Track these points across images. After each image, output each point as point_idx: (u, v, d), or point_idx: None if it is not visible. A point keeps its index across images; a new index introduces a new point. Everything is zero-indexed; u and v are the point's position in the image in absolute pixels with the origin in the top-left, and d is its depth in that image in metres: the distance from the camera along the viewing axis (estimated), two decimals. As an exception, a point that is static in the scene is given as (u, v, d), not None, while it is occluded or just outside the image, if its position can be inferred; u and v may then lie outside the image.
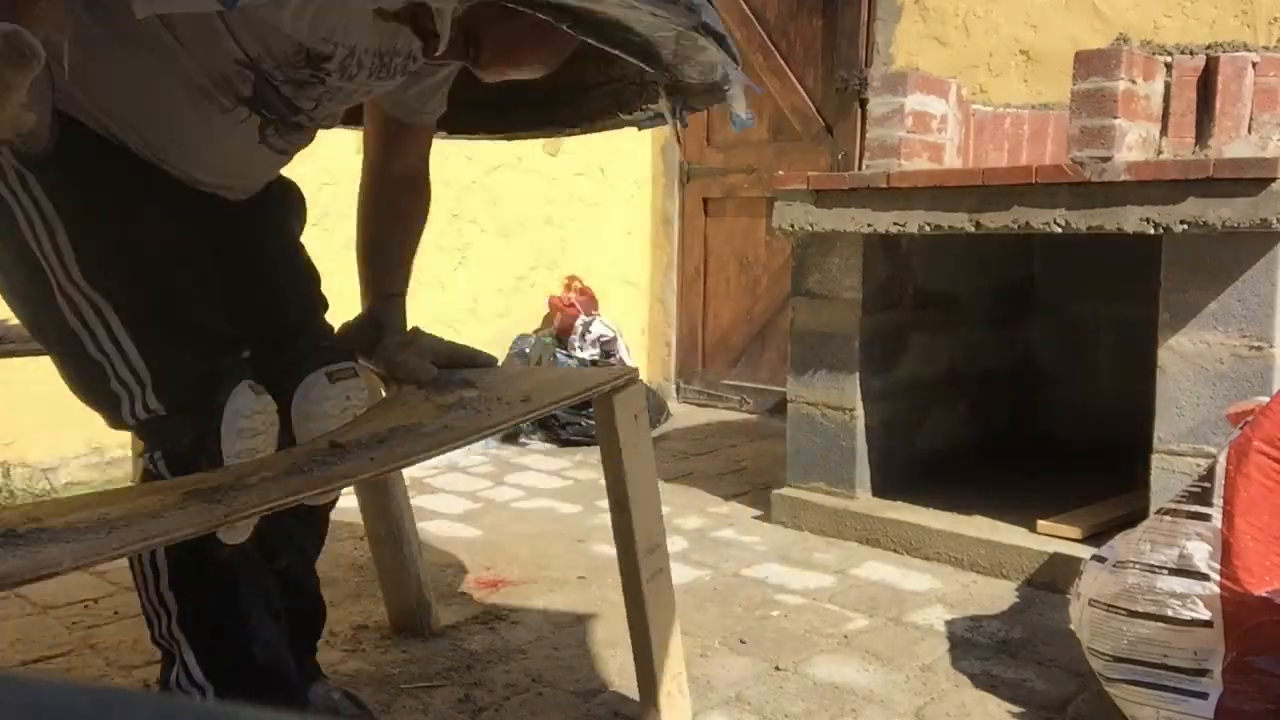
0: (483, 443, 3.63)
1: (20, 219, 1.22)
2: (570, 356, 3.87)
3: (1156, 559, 1.50)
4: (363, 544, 2.20)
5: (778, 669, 1.84)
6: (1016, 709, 1.69)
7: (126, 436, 2.58)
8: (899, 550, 2.44)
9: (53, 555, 0.79)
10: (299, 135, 1.49)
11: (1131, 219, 2.07)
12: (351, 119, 1.65)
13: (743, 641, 1.95)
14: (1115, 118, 2.15)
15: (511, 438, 3.73)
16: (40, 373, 2.85)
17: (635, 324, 4.56)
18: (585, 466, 3.37)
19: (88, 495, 0.95)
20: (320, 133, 3.46)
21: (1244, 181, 1.93)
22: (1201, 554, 1.44)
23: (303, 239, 1.83)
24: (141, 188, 1.29)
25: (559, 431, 3.69)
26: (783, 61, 4.15)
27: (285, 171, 1.76)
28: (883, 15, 3.74)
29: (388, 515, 1.91)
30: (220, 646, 1.32)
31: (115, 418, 1.30)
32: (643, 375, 1.74)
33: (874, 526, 2.51)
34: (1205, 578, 1.43)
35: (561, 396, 1.38)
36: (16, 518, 0.86)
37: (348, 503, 2.38)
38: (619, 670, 1.80)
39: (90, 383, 1.28)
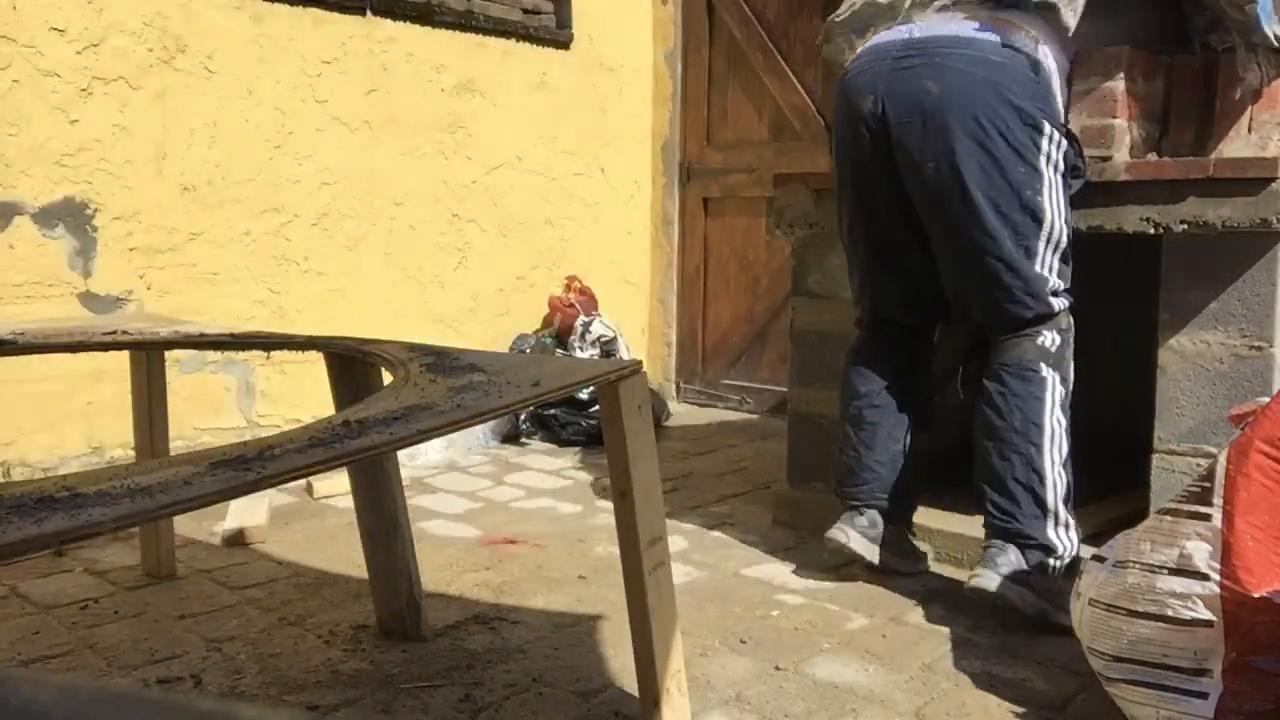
0: (483, 442, 3.63)
1: (1046, 191, 2.03)
2: (570, 357, 3.87)
3: (1157, 559, 1.50)
4: (363, 544, 2.20)
5: (778, 669, 1.84)
6: (1017, 709, 1.69)
7: (127, 436, 2.58)
8: (899, 550, 2.44)
9: (94, 515, 0.82)
10: None
11: (1131, 219, 2.07)
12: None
13: (743, 641, 1.95)
14: (1115, 118, 2.15)
15: (512, 438, 3.73)
16: (40, 372, 2.86)
17: (635, 324, 4.56)
18: (585, 466, 3.37)
19: (114, 468, 0.97)
20: (317, 131, 3.53)
21: (1244, 181, 1.93)
22: (1201, 554, 1.44)
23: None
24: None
25: (559, 431, 3.69)
26: (783, 61, 4.16)
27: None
28: (883, 15, 3.74)
29: (381, 509, 1.91)
30: None
31: (1041, 302, 2.05)
32: (643, 375, 1.75)
33: (874, 526, 2.50)
34: (1205, 578, 1.43)
35: (570, 382, 1.39)
36: (50, 485, 0.88)
37: (348, 503, 2.38)
38: (619, 670, 1.80)
39: (1034, 286, 2.05)
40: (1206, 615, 1.43)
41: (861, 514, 2.22)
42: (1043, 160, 1.99)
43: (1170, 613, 1.46)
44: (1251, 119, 2.15)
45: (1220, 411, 2.03)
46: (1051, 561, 1.99)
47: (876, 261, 2.23)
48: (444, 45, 3.78)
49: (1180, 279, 2.07)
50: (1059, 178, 2.01)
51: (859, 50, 2.19)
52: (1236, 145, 2.14)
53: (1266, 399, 1.55)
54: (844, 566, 2.36)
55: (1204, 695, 1.43)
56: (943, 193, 2.02)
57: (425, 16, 3.70)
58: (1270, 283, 1.97)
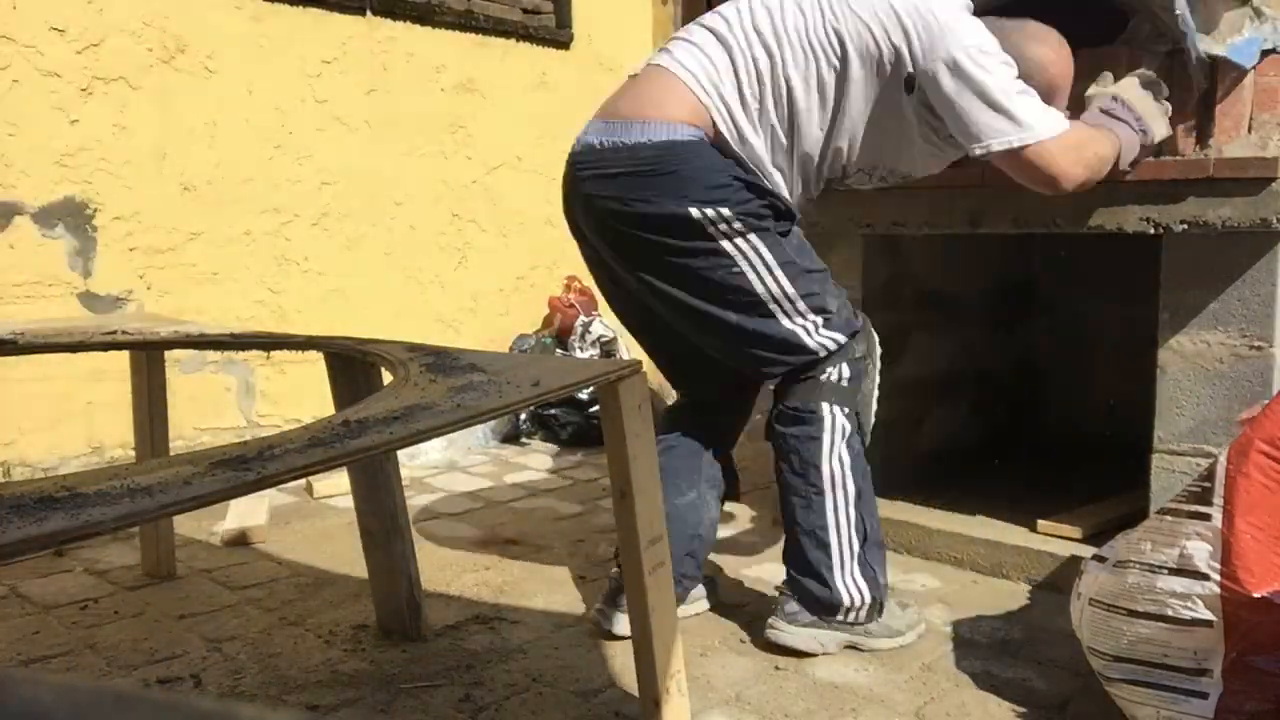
0: (483, 442, 3.63)
1: (743, 264, 1.82)
2: (570, 357, 3.87)
3: (1157, 559, 1.50)
4: (363, 544, 2.20)
5: (778, 669, 1.84)
6: (1017, 709, 1.69)
7: (127, 436, 2.58)
8: (899, 550, 2.44)
9: (94, 515, 0.82)
10: None
11: (1131, 219, 2.07)
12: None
13: (743, 641, 1.95)
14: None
15: (512, 438, 3.73)
16: (40, 372, 2.86)
17: (635, 324, 4.55)
18: (585, 466, 3.37)
19: (114, 468, 0.97)
20: (317, 131, 3.52)
21: (1244, 181, 1.93)
22: (1202, 554, 1.44)
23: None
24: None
25: (559, 431, 3.69)
26: (783, 61, 4.15)
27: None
28: (883, 15, 3.74)
29: (381, 509, 1.91)
30: None
31: (805, 352, 1.88)
32: (643, 375, 1.74)
33: (874, 526, 2.50)
34: (1205, 577, 1.43)
35: (569, 382, 1.39)
36: (50, 485, 0.88)
37: (348, 503, 2.38)
38: (619, 670, 1.80)
39: (787, 344, 1.87)
40: (1206, 615, 1.43)
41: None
42: (715, 242, 1.80)
43: (1170, 613, 1.46)
44: (1251, 119, 2.15)
45: (1220, 411, 2.03)
46: (841, 615, 1.89)
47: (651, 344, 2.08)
48: (444, 45, 3.78)
49: (1180, 279, 2.07)
50: (750, 240, 1.80)
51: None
52: (1236, 145, 2.13)
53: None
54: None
55: (1204, 695, 1.43)
56: (654, 304, 1.90)
57: (425, 16, 3.70)
58: (1270, 283, 1.97)
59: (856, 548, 1.89)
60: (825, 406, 1.88)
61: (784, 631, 1.90)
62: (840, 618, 1.89)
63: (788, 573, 1.93)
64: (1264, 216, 1.91)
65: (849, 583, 1.88)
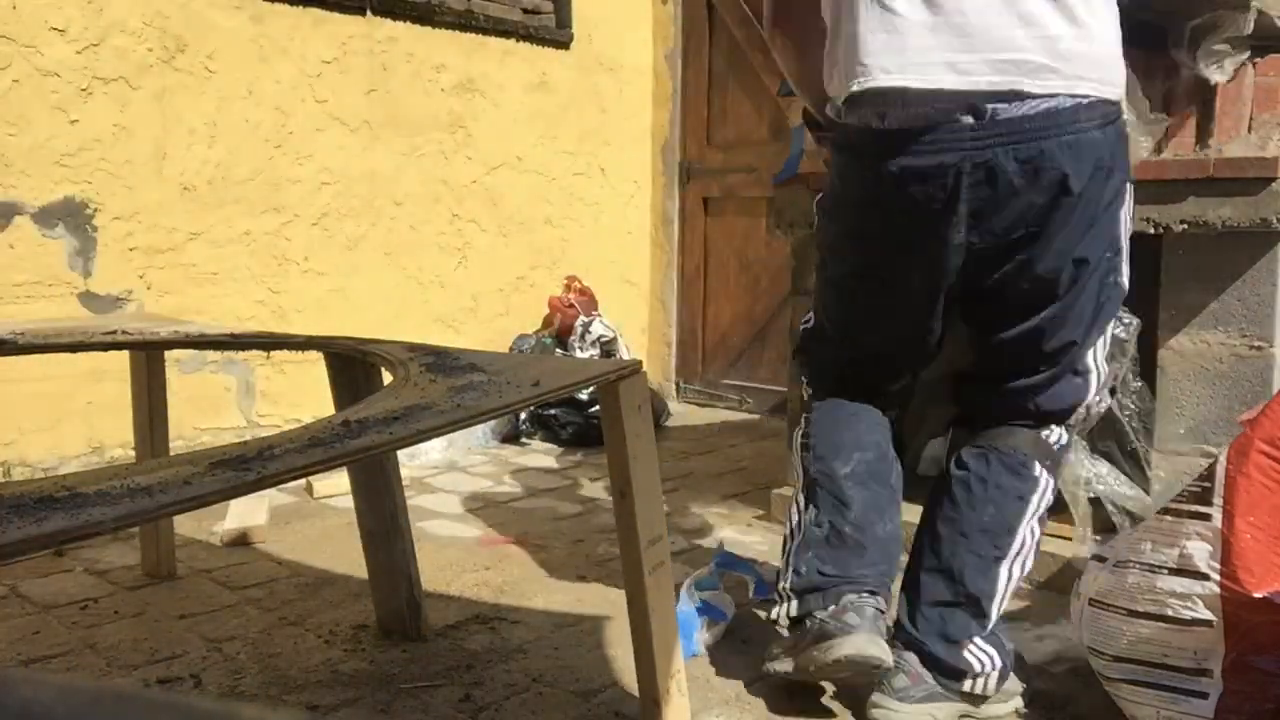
0: (483, 442, 3.63)
1: None
2: (570, 357, 3.87)
3: (1157, 559, 1.50)
4: (363, 544, 2.20)
5: (778, 669, 1.84)
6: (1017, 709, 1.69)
7: (127, 436, 2.58)
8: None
9: (94, 515, 0.82)
10: None
11: (1131, 219, 2.07)
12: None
13: (744, 641, 1.95)
14: (1115, 117, 2.15)
15: (512, 438, 3.73)
16: (40, 372, 2.86)
17: (635, 324, 4.56)
18: (585, 466, 3.37)
19: (113, 468, 0.97)
20: (317, 131, 3.53)
21: (1244, 181, 1.93)
22: (1202, 554, 1.44)
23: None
24: None
25: (559, 431, 3.69)
26: (783, 61, 4.15)
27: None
28: (883, 15, 3.73)
29: (381, 509, 1.91)
30: None
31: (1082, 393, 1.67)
32: (643, 375, 1.74)
33: (874, 526, 2.50)
34: (1205, 577, 1.43)
35: (569, 382, 1.39)
36: (50, 485, 0.88)
37: (348, 503, 2.38)
38: (619, 670, 1.80)
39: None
40: (1206, 615, 1.43)
41: (872, 607, 1.66)
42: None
43: (1170, 613, 1.46)
44: (1251, 119, 2.15)
45: (1220, 411, 2.03)
46: (967, 683, 1.62)
47: (898, 337, 1.78)
48: (444, 45, 3.78)
49: (1180, 279, 2.07)
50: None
51: None
52: (1236, 145, 2.13)
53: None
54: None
55: (1204, 695, 1.43)
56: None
57: (425, 16, 3.70)
58: (1270, 283, 1.97)
59: (1000, 610, 1.66)
60: (1038, 467, 1.65)
61: (894, 711, 1.60)
62: (966, 686, 1.62)
63: (911, 638, 1.64)
64: (1264, 216, 1.91)
65: (984, 649, 1.63)
